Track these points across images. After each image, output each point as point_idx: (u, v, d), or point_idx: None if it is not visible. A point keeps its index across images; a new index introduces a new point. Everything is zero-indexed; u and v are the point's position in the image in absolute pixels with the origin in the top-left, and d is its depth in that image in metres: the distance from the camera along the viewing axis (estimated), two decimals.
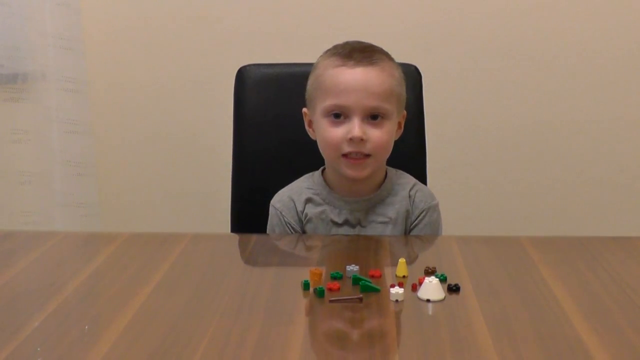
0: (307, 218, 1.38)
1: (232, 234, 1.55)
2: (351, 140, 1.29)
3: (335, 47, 1.36)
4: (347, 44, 1.35)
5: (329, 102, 1.31)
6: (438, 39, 2.12)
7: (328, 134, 1.32)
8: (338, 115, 1.31)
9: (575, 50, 2.12)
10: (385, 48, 1.38)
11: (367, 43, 1.36)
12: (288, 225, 1.38)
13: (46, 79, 2.11)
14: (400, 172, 1.43)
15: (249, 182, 1.58)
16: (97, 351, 0.87)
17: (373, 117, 1.30)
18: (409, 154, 1.55)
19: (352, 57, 1.31)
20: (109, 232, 1.55)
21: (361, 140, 1.28)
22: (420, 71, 1.57)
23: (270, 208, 1.41)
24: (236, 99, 1.59)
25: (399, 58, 1.55)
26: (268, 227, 1.41)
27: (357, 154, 1.30)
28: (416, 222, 1.38)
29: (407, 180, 1.42)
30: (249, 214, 1.55)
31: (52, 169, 2.15)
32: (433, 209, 1.40)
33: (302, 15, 2.12)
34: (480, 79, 2.15)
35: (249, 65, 1.59)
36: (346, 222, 1.37)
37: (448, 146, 2.17)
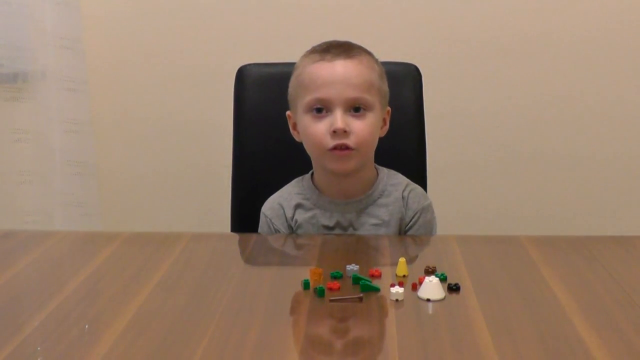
0: (297, 224, 1.37)
1: (232, 233, 1.55)
2: (335, 133, 1.28)
3: (313, 46, 1.37)
4: (325, 42, 1.36)
5: (309, 97, 1.31)
6: (438, 39, 2.12)
7: (311, 130, 1.31)
8: (320, 109, 1.30)
9: (575, 50, 2.12)
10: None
11: (348, 42, 1.36)
12: (277, 232, 1.38)
13: (46, 79, 2.11)
14: (393, 172, 1.42)
15: (249, 182, 1.58)
16: (97, 351, 0.87)
17: (355, 109, 1.30)
18: (409, 154, 1.55)
19: (329, 52, 1.32)
20: (109, 232, 1.55)
21: (344, 132, 1.28)
22: (420, 71, 1.57)
23: (261, 215, 1.41)
24: (236, 99, 1.59)
25: (399, 58, 1.55)
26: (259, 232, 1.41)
27: (342, 146, 1.29)
28: (410, 223, 1.37)
29: (400, 180, 1.40)
30: (249, 213, 1.55)
31: (52, 169, 2.15)
32: (426, 209, 1.39)
33: (301, 15, 2.12)
34: (481, 78, 2.15)
35: (249, 65, 1.59)
36: (338, 225, 1.36)
37: (448, 146, 2.17)
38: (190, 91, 2.20)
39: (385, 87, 1.36)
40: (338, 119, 1.28)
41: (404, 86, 1.55)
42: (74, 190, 2.18)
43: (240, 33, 2.14)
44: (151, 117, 2.23)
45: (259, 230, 1.41)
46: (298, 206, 1.38)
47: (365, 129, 1.30)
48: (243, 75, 1.58)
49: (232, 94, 1.59)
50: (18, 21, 2.08)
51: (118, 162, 2.27)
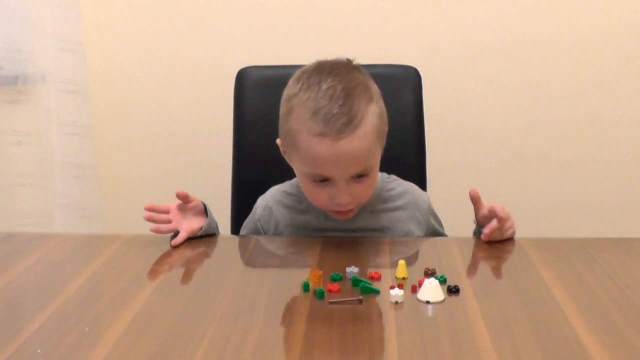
0: (290, 227, 1.37)
1: (232, 235, 1.55)
2: (337, 204, 1.24)
3: (310, 88, 1.20)
4: (320, 83, 1.19)
5: (308, 170, 1.23)
6: (438, 41, 2.12)
7: (312, 195, 1.27)
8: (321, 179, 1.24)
9: (575, 51, 2.13)
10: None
11: (344, 86, 1.19)
12: (262, 229, 1.39)
13: (46, 81, 2.11)
14: (387, 176, 1.40)
15: (249, 184, 1.58)
16: (97, 353, 0.87)
17: (358, 175, 1.24)
18: (409, 155, 1.55)
19: (331, 125, 1.16)
20: (109, 234, 1.55)
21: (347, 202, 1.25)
22: (420, 73, 1.57)
23: (254, 208, 1.41)
24: (236, 101, 1.59)
25: (399, 59, 1.55)
26: (245, 222, 1.41)
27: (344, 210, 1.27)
28: (429, 224, 1.39)
29: (395, 185, 1.39)
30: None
31: (52, 171, 2.16)
32: (429, 206, 1.41)
33: (301, 17, 2.12)
34: (480, 80, 2.15)
35: (248, 67, 1.59)
36: (333, 229, 1.35)
37: (448, 147, 2.17)
38: (190, 94, 2.20)
39: (385, 126, 1.26)
40: (341, 193, 1.22)
41: (403, 88, 1.55)
42: (74, 193, 2.18)
43: (240, 36, 2.14)
44: (151, 119, 2.23)
45: (246, 220, 1.42)
46: (291, 209, 1.38)
47: (368, 189, 1.27)
48: (243, 78, 1.58)
49: (232, 97, 1.59)
50: (18, 24, 2.08)
51: (118, 164, 2.27)
